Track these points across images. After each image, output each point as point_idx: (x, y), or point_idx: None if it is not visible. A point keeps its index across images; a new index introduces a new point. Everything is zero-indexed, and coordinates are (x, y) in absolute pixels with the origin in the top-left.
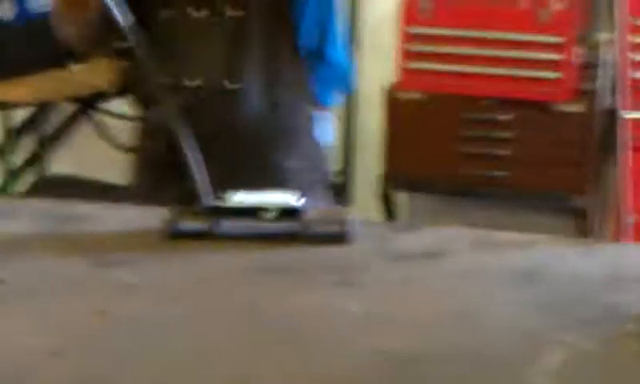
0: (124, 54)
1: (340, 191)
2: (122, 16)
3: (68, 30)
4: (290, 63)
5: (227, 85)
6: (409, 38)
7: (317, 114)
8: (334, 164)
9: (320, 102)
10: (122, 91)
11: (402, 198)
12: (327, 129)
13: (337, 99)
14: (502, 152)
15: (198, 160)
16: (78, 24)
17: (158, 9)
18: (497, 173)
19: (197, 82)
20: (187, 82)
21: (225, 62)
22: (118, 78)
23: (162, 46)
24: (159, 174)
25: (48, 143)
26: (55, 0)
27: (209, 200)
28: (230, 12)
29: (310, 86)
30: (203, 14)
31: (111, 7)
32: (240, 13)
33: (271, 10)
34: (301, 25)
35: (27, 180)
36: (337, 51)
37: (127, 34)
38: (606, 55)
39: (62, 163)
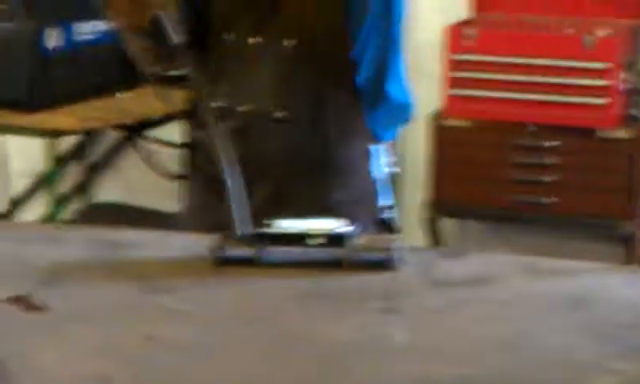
0: (174, 80)
1: (391, 226)
2: (174, 35)
3: (130, 46)
4: (344, 96)
5: (277, 113)
6: (454, 64)
7: (373, 148)
8: (388, 198)
9: (377, 137)
10: (168, 118)
11: (447, 225)
12: (380, 163)
13: (395, 134)
14: (548, 178)
15: (239, 187)
16: (136, 37)
17: (222, 32)
18: (544, 199)
19: (248, 108)
20: (239, 107)
21: (276, 90)
22: (167, 105)
23: (221, 68)
24: (210, 197)
25: (94, 171)
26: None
27: (243, 228)
28: (285, 41)
29: (364, 120)
30: (259, 40)
31: (164, 25)
32: (294, 42)
33: (328, 41)
34: (361, 59)
35: (74, 208)
36: (398, 87)
37: (177, 53)
38: None
39: (108, 191)
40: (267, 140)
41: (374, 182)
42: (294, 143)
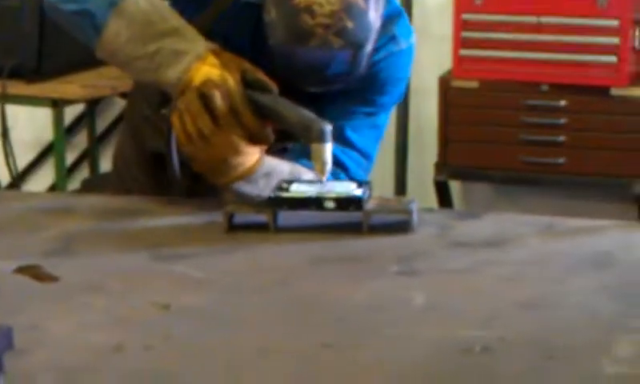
0: None
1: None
2: None
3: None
4: None
5: None
6: (464, 25)
7: None
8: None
9: None
10: None
11: (457, 187)
12: None
13: None
14: (560, 138)
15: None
16: None
17: None
18: (555, 160)
19: None
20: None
21: None
22: None
23: None
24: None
25: (102, 140)
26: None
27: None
28: None
29: None
30: None
31: None
32: None
33: None
34: None
35: (80, 178)
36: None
37: None
38: None
39: None
40: None
41: None
42: None
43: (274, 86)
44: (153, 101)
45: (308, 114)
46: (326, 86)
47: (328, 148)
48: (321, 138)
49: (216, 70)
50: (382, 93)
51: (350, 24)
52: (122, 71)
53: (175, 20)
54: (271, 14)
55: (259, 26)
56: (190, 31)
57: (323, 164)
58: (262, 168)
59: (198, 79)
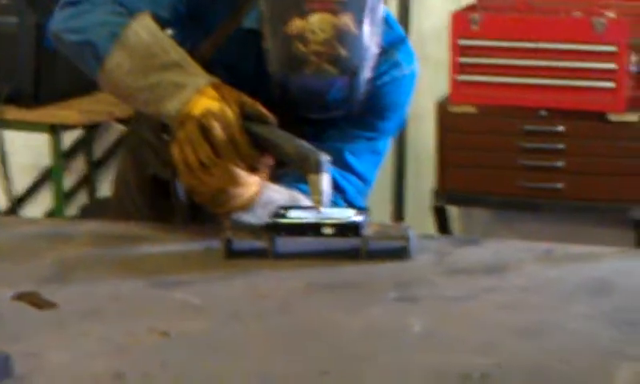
0: None
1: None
2: None
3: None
4: None
5: None
6: (461, 50)
7: None
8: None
9: None
10: None
11: (454, 213)
12: None
13: None
14: (558, 164)
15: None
16: None
17: None
18: (553, 185)
19: None
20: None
21: None
22: None
23: None
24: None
25: (99, 165)
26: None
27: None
28: None
29: None
30: None
31: None
32: None
33: None
34: None
35: (79, 203)
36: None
37: None
38: None
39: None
40: None
41: None
42: None
43: (272, 118)
44: (154, 125)
45: (305, 145)
46: (327, 113)
47: (325, 179)
48: (317, 169)
49: (215, 103)
50: (383, 118)
51: (343, 51)
52: (124, 103)
53: (176, 53)
54: (267, 43)
55: (262, 53)
56: (191, 64)
57: (320, 195)
58: (262, 198)
59: (197, 111)
